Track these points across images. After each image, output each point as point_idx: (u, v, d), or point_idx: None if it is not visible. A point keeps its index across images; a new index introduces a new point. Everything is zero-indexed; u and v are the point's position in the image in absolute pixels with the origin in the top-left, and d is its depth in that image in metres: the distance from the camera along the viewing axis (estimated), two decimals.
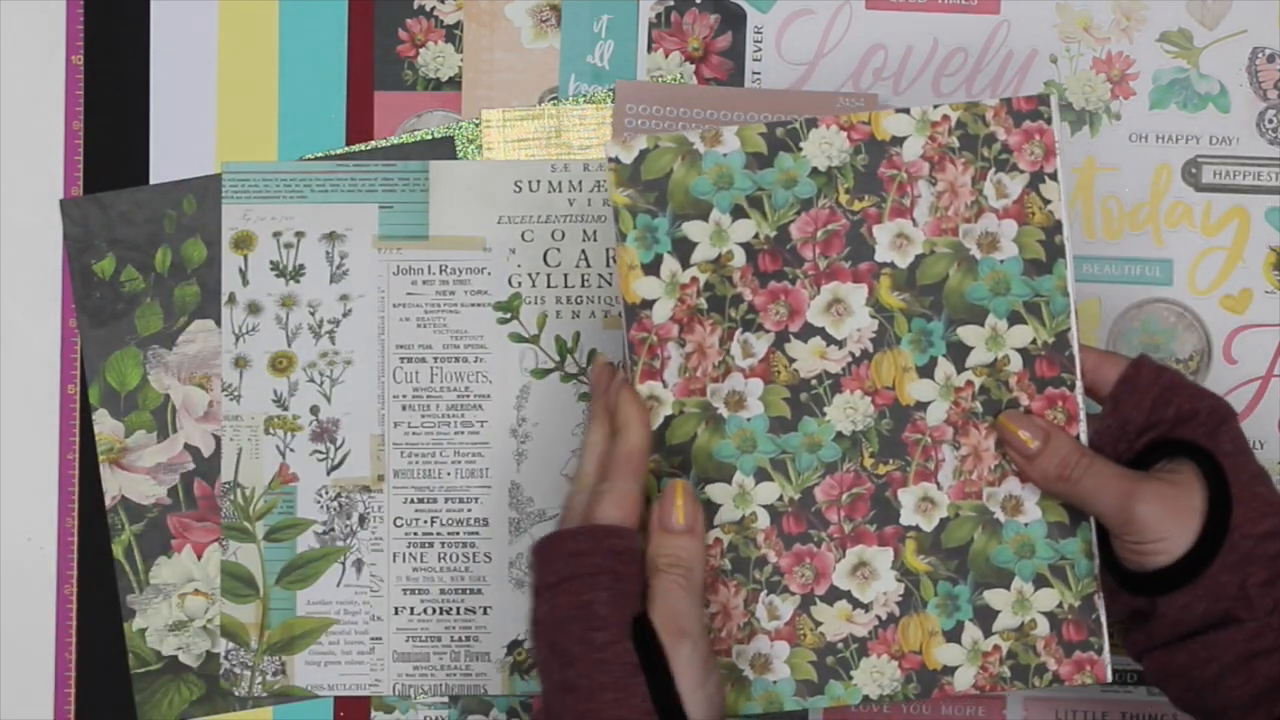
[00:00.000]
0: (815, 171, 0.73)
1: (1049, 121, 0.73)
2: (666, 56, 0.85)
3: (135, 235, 0.85)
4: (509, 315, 0.85)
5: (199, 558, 0.85)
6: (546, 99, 0.85)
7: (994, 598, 0.74)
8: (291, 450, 0.85)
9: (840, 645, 0.74)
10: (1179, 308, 0.85)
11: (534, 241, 0.85)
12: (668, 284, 0.73)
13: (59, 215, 0.86)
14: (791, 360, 0.74)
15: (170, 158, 0.86)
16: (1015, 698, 0.84)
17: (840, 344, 0.74)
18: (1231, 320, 0.85)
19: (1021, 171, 0.74)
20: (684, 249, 0.73)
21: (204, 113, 0.86)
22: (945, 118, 0.73)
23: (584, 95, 0.85)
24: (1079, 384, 0.74)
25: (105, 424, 0.85)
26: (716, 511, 0.74)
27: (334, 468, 0.85)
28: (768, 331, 0.74)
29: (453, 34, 0.86)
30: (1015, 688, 0.74)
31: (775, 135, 0.73)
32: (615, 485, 0.71)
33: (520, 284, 0.85)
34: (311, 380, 0.85)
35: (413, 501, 0.85)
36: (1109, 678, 0.74)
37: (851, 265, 0.74)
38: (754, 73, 0.85)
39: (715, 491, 0.74)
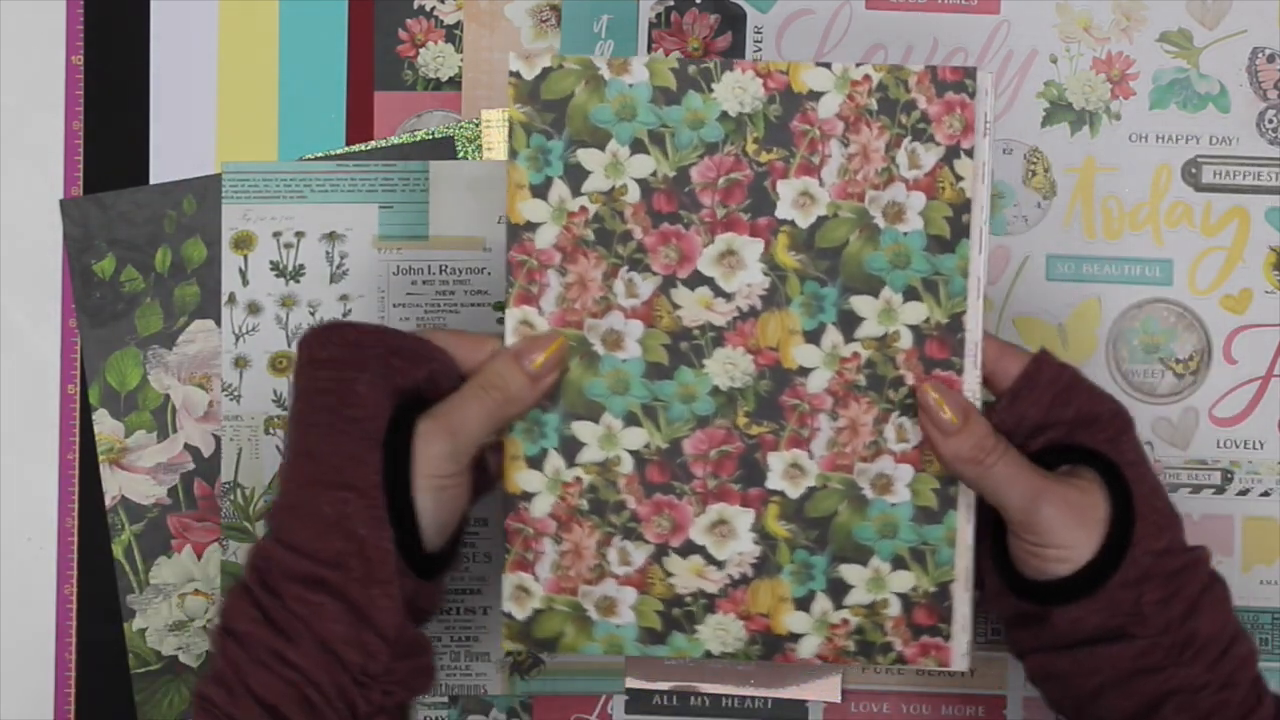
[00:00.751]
0: (725, 116, 0.71)
1: (972, 95, 0.72)
2: (666, 56, 0.85)
3: (135, 235, 0.85)
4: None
5: (199, 558, 0.85)
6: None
7: (849, 572, 0.73)
8: None
9: (689, 599, 0.73)
10: (1179, 308, 0.85)
11: None
12: (555, 209, 0.72)
13: (59, 215, 0.86)
14: (676, 307, 0.72)
15: (170, 158, 0.86)
16: (1016, 698, 0.84)
17: (729, 297, 0.72)
18: (1231, 320, 0.85)
19: (938, 144, 0.71)
20: (576, 176, 0.72)
21: (204, 113, 0.86)
22: (867, 78, 0.71)
23: None
24: (969, 371, 0.72)
25: (105, 424, 0.85)
26: (581, 450, 0.72)
27: None
28: (655, 274, 0.72)
29: (453, 34, 0.86)
30: (858, 662, 0.73)
31: (687, 73, 0.71)
32: (436, 329, 0.71)
33: None
34: None
35: None
36: (955, 665, 0.73)
37: (750, 218, 0.72)
38: None
39: (581, 430, 0.72)
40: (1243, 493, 0.85)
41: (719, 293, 0.72)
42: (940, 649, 0.73)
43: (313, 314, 0.85)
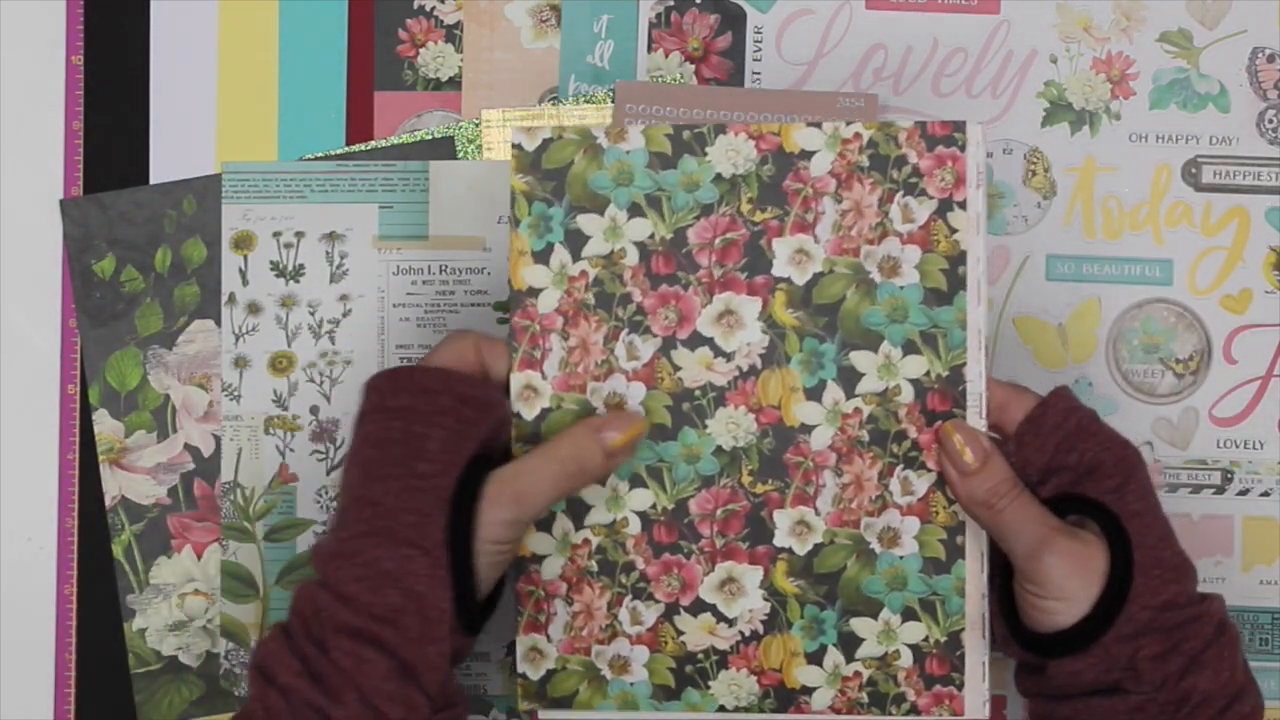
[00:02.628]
0: (719, 178, 0.73)
1: (963, 149, 0.72)
2: (666, 56, 0.85)
3: (135, 235, 0.85)
4: (509, 315, 0.85)
5: (199, 558, 0.85)
6: (546, 99, 0.85)
7: (860, 625, 0.73)
8: (291, 450, 0.85)
9: (700, 656, 0.74)
10: (1179, 308, 0.85)
11: None
12: (556, 274, 0.73)
13: (59, 215, 0.86)
14: (677, 368, 0.73)
15: (170, 158, 0.86)
16: (1016, 698, 0.84)
17: (728, 356, 0.73)
18: (1231, 320, 0.85)
19: (930, 197, 0.72)
20: (576, 241, 0.73)
21: (204, 113, 0.86)
22: (857, 135, 0.72)
23: (584, 95, 0.85)
24: (974, 421, 0.72)
25: (105, 424, 0.85)
26: (588, 513, 0.73)
27: (334, 468, 0.85)
28: (655, 336, 0.73)
29: (453, 34, 0.86)
30: (872, 713, 0.74)
31: (681, 138, 0.73)
32: (488, 339, 0.71)
33: None
34: (311, 380, 0.85)
35: None
36: (969, 712, 0.74)
37: (747, 277, 0.73)
38: (754, 73, 0.85)
39: (588, 492, 0.73)
40: (1243, 493, 0.85)
41: (719, 352, 0.73)
42: (954, 698, 0.74)
43: (312, 314, 0.85)
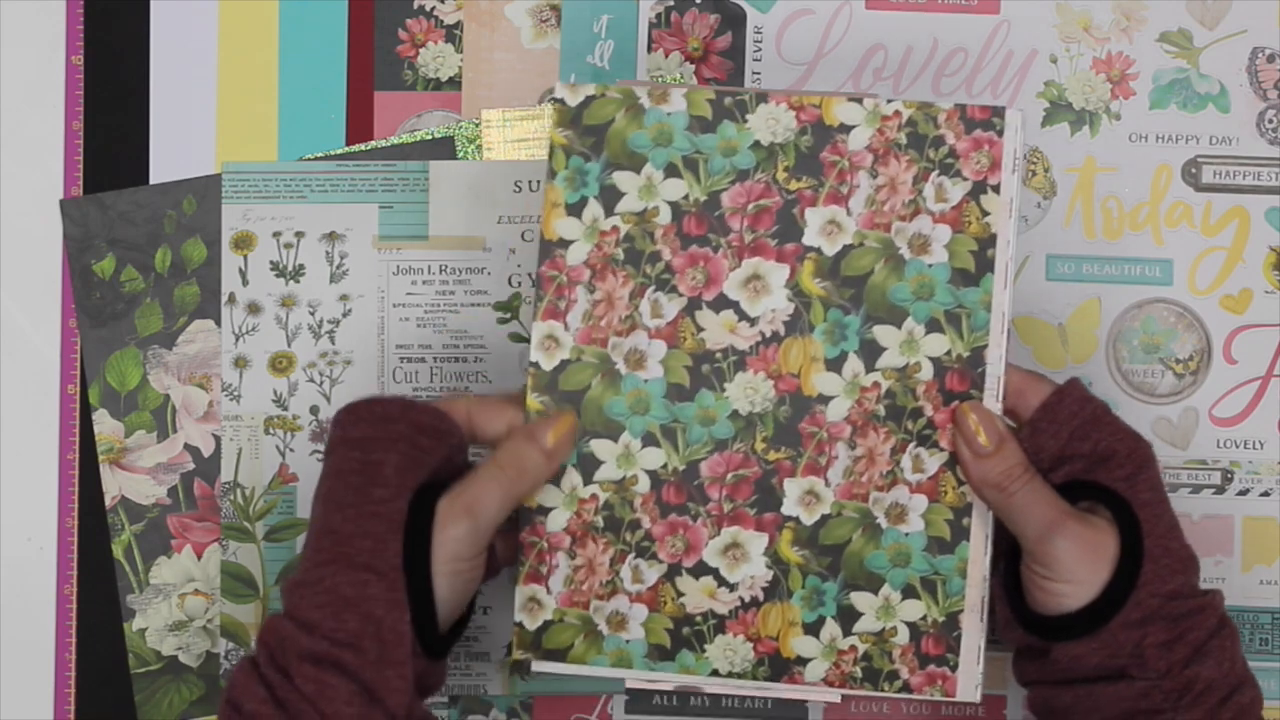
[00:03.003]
0: (757, 145, 0.73)
1: (1000, 134, 0.73)
2: (666, 56, 0.85)
3: (135, 235, 0.85)
4: (509, 315, 0.85)
5: (199, 558, 0.85)
6: (546, 99, 0.85)
7: (860, 600, 0.73)
8: (291, 450, 0.85)
9: (699, 618, 0.74)
10: (1179, 308, 0.85)
11: (534, 241, 0.85)
12: (588, 228, 0.73)
13: (59, 215, 0.86)
14: (700, 329, 0.73)
15: (170, 158, 0.86)
16: (1016, 698, 0.84)
17: (753, 321, 0.73)
18: (1231, 320, 0.85)
19: (965, 179, 0.73)
20: (611, 197, 0.73)
21: (204, 113, 0.86)
22: (897, 113, 0.73)
23: None
24: (990, 404, 0.72)
25: (105, 424, 0.85)
26: (598, 468, 0.73)
27: None
28: (681, 295, 0.73)
29: (453, 34, 0.86)
30: (865, 689, 0.74)
31: (723, 104, 0.73)
32: (480, 401, 0.72)
33: (520, 284, 0.85)
34: (311, 380, 0.85)
35: None
36: (961, 695, 0.74)
37: (778, 244, 0.73)
38: (754, 73, 0.85)
39: (599, 447, 0.73)
40: (1243, 493, 0.85)
41: (743, 316, 0.73)
42: (946, 679, 0.73)
43: (312, 314, 0.85)
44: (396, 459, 0.69)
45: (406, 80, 0.86)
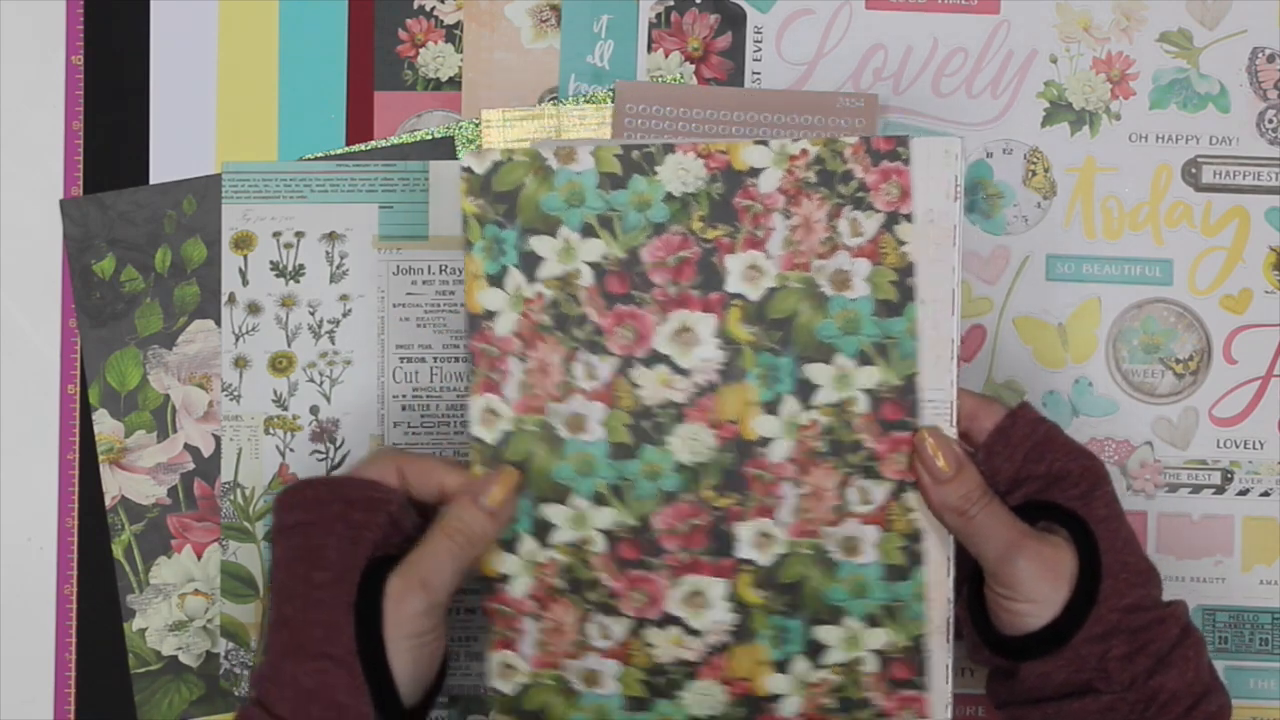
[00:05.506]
0: (670, 197, 0.73)
1: (907, 162, 0.72)
2: (666, 56, 0.85)
3: (135, 235, 0.85)
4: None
5: (199, 558, 0.85)
6: (546, 99, 0.85)
7: (825, 633, 0.74)
8: (291, 450, 0.85)
9: (670, 667, 0.74)
10: (1179, 308, 0.85)
11: None
12: (512, 297, 0.73)
13: (59, 215, 0.86)
14: (636, 386, 0.73)
15: (170, 158, 0.86)
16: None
17: (686, 374, 0.73)
18: (1231, 320, 0.85)
19: (877, 211, 0.72)
20: (530, 263, 0.73)
21: (204, 113, 0.86)
22: (804, 152, 0.72)
23: (584, 95, 0.85)
24: (943, 427, 0.73)
25: (105, 424, 0.85)
26: (552, 532, 0.73)
27: (334, 468, 0.85)
28: (613, 354, 0.73)
29: (453, 34, 0.86)
30: (840, 719, 0.74)
31: (631, 157, 0.73)
32: (411, 459, 0.73)
33: None
34: (311, 380, 0.85)
35: None
36: (933, 716, 0.74)
37: (702, 294, 0.73)
38: (754, 73, 0.85)
39: (551, 512, 0.73)
40: (1243, 493, 0.85)
41: (676, 369, 0.73)
42: (918, 700, 0.74)
43: (312, 314, 0.85)
44: (336, 540, 0.69)
45: (406, 80, 0.86)
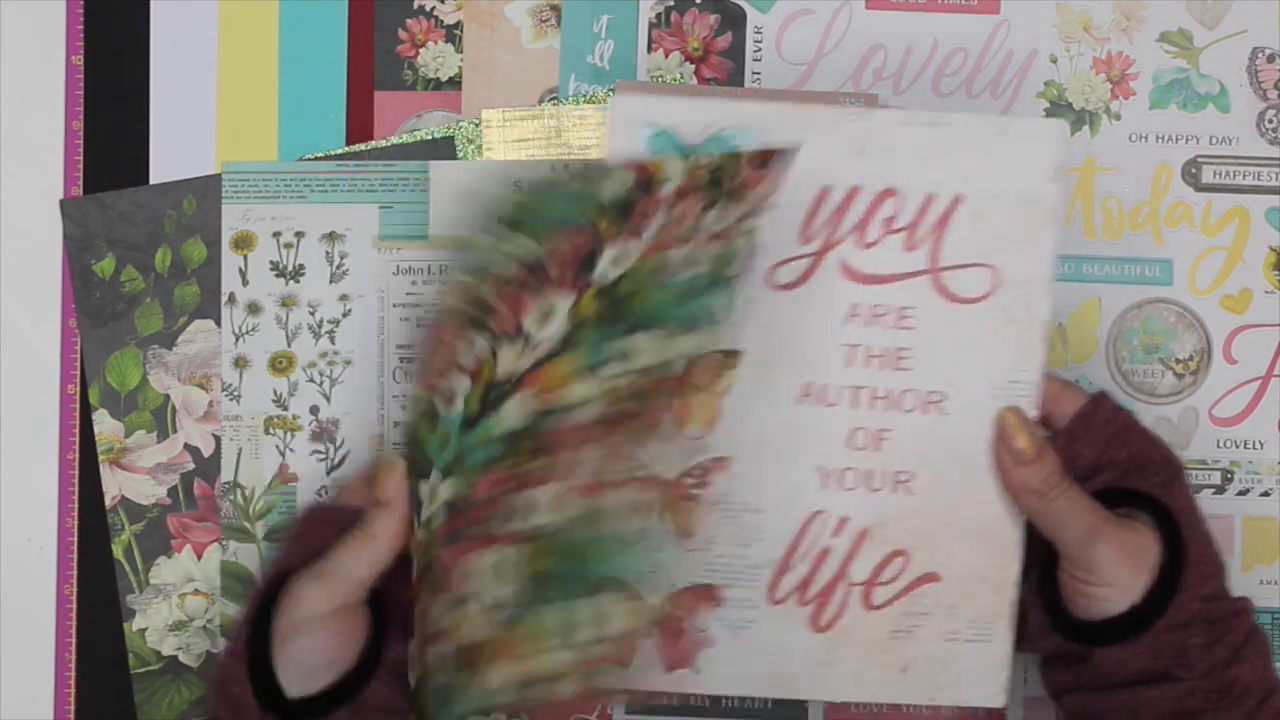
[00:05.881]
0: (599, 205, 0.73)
1: (786, 168, 0.73)
2: (666, 56, 0.85)
3: (135, 235, 0.85)
4: None
5: (199, 558, 0.85)
6: (546, 99, 0.85)
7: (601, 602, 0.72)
8: (291, 450, 0.85)
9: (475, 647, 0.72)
10: (1179, 308, 0.85)
11: None
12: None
13: (59, 215, 0.86)
14: (497, 361, 0.73)
15: (170, 158, 0.86)
16: (1016, 698, 0.84)
17: (536, 347, 0.73)
18: (1231, 320, 0.85)
19: (743, 204, 0.73)
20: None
21: (204, 113, 0.86)
22: (710, 161, 0.73)
23: (584, 95, 0.85)
24: (1027, 409, 0.73)
25: (105, 424, 0.85)
26: (419, 510, 0.73)
27: (334, 468, 0.85)
28: (490, 332, 0.73)
29: (453, 34, 0.86)
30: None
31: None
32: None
33: None
34: (311, 380, 0.85)
35: None
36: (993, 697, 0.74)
37: (575, 280, 0.73)
38: (754, 73, 0.85)
39: (421, 488, 0.73)
40: (1243, 493, 0.85)
41: (528, 343, 0.73)
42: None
43: (312, 314, 0.85)
44: (289, 545, 0.73)
45: (406, 80, 0.86)
